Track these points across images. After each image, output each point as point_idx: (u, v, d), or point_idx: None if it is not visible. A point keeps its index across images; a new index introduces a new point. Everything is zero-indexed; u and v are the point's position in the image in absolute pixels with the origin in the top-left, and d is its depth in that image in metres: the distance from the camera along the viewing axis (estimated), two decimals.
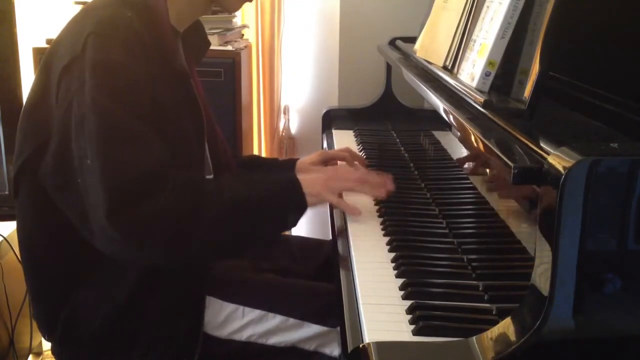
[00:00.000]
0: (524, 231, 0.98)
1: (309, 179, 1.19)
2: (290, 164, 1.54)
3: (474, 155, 1.25)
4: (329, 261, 1.44)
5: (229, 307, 1.23)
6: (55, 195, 1.14)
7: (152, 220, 1.06)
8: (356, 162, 1.54)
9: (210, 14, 1.32)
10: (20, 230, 1.24)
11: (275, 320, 1.23)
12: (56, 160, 1.10)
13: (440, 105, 1.15)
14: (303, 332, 1.22)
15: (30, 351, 2.12)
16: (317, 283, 1.33)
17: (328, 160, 1.56)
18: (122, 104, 1.07)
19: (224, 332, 1.23)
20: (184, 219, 1.07)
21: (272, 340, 1.23)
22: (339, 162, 1.55)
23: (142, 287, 1.18)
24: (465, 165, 1.32)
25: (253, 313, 1.23)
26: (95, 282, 1.19)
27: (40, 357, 2.24)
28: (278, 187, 1.18)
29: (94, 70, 1.06)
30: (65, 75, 1.08)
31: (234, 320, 1.23)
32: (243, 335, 1.23)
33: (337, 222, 1.27)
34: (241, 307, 1.23)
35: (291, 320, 1.22)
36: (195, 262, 1.21)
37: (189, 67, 1.29)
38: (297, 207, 1.17)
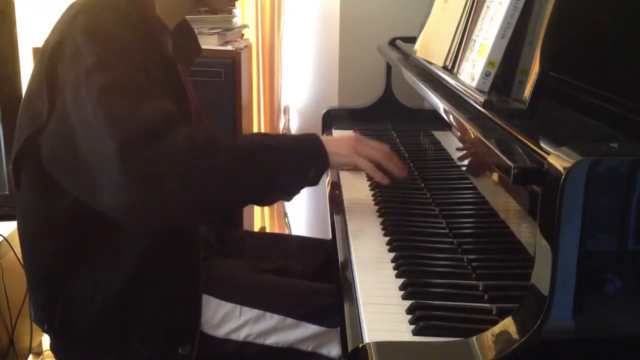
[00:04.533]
0: (524, 231, 0.98)
1: (335, 139, 1.23)
2: None
3: (471, 153, 1.25)
4: (328, 261, 1.44)
5: (226, 306, 1.23)
6: (62, 174, 1.13)
7: (164, 159, 1.03)
8: None
9: (196, 13, 1.33)
10: (20, 218, 1.25)
11: (272, 320, 1.22)
12: (60, 134, 1.09)
13: (440, 105, 1.15)
14: (300, 332, 1.22)
15: (30, 351, 2.12)
16: (315, 283, 1.33)
17: None
18: (121, 60, 1.07)
19: (221, 332, 1.23)
20: (198, 160, 1.05)
21: (270, 340, 1.23)
22: None
23: (139, 276, 1.18)
24: (464, 162, 1.32)
25: (250, 312, 1.23)
26: (92, 269, 1.19)
27: (40, 357, 2.24)
28: (300, 140, 1.20)
29: (84, 35, 1.07)
30: (58, 55, 1.09)
31: (232, 319, 1.23)
32: (240, 335, 1.23)
33: (337, 222, 1.27)
34: (239, 307, 1.23)
35: (289, 320, 1.22)
36: (211, 211, 1.17)
37: (180, 70, 1.29)
38: (319, 160, 1.17)
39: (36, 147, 1.13)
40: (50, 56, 1.10)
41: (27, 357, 2.13)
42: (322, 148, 1.18)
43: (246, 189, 1.13)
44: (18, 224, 1.26)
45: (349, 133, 1.35)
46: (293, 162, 1.16)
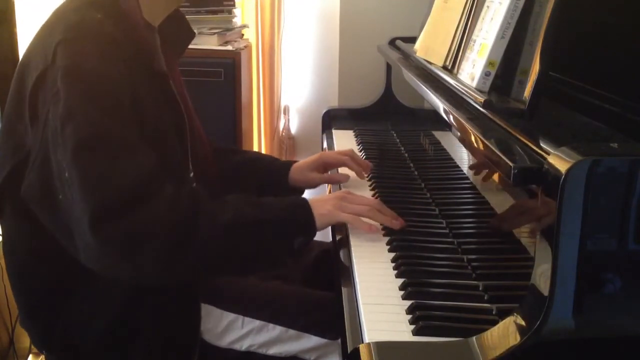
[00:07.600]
0: (524, 231, 0.98)
1: (318, 200, 1.15)
2: (288, 166, 1.48)
3: (471, 153, 1.25)
4: (324, 260, 1.43)
5: (229, 316, 1.23)
6: (41, 214, 1.09)
7: (141, 233, 1.00)
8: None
9: (182, 3, 1.27)
10: (6, 250, 1.21)
11: (275, 331, 1.22)
12: (40, 178, 1.05)
13: (440, 105, 1.15)
14: (303, 344, 1.22)
15: (30, 351, 2.12)
16: (318, 293, 1.31)
17: (327, 166, 1.49)
18: (100, 110, 1.02)
19: (223, 342, 1.23)
20: (176, 235, 1.02)
21: (272, 351, 1.22)
22: (339, 169, 1.49)
23: (134, 298, 1.15)
24: (464, 162, 1.32)
25: (253, 323, 1.23)
26: (87, 296, 1.16)
27: (40, 357, 2.24)
28: (285, 211, 1.12)
29: (65, 77, 1.01)
30: (40, 86, 1.04)
31: (234, 329, 1.23)
32: (243, 345, 1.22)
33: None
34: (241, 317, 1.23)
35: (291, 331, 1.22)
36: (188, 280, 1.17)
37: (169, 61, 1.24)
38: (305, 230, 1.12)
39: (20, 179, 1.08)
40: (33, 86, 1.05)
41: (27, 357, 2.13)
42: (309, 218, 1.11)
43: (221, 269, 1.12)
44: (5, 255, 1.21)
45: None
46: (276, 238, 1.10)
